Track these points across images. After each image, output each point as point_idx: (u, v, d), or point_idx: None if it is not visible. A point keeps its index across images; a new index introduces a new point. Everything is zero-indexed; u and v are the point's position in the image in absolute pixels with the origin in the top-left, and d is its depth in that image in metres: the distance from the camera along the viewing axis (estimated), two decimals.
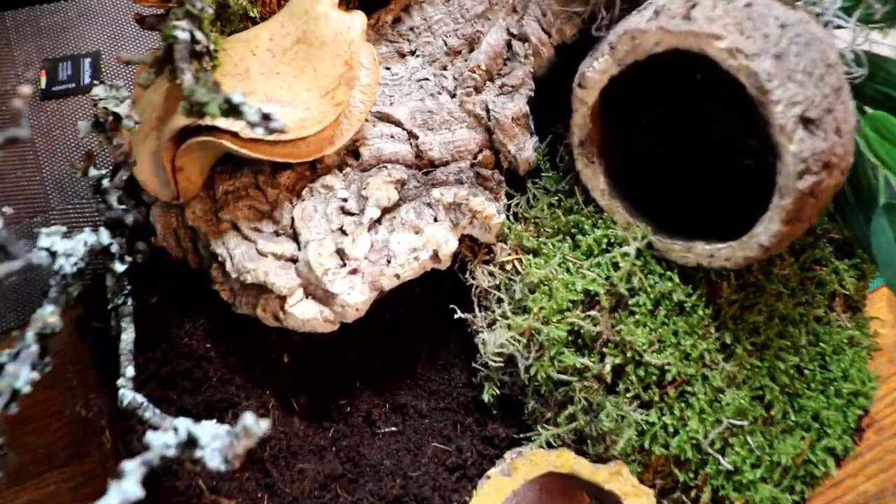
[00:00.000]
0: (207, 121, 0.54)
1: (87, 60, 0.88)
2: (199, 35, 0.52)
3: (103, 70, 0.88)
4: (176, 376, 0.63)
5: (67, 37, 0.90)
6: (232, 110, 0.46)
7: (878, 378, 0.64)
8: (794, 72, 0.51)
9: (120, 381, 0.56)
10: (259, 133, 0.44)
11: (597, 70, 0.58)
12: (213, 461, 0.43)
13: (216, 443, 0.44)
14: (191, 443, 0.45)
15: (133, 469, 0.44)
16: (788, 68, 0.51)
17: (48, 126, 0.85)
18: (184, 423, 0.45)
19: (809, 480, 0.63)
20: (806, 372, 0.63)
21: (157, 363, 0.63)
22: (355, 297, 0.58)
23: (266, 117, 0.44)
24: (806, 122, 0.51)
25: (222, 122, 0.54)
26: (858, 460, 0.72)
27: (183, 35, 0.51)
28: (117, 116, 0.57)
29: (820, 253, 0.64)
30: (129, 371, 0.57)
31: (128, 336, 0.59)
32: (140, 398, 0.55)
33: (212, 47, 0.54)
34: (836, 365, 0.63)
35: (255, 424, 0.42)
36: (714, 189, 0.66)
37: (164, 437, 0.45)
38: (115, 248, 0.56)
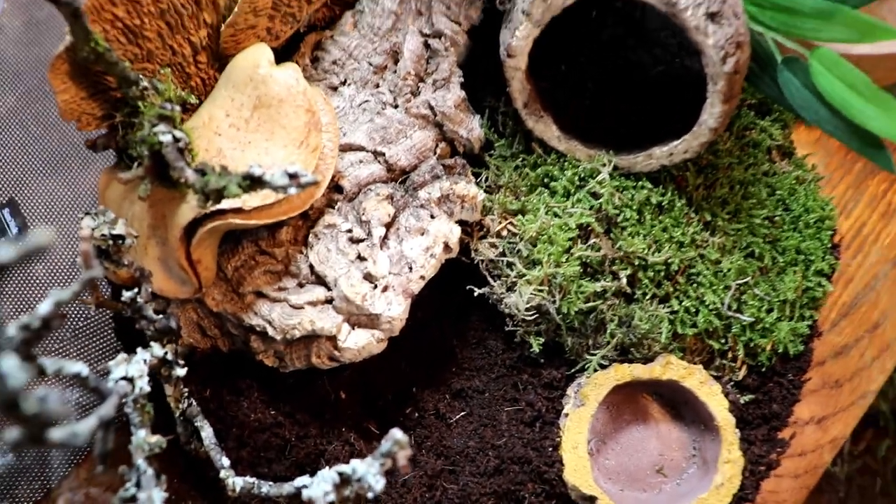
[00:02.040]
0: (210, 207, 0.57)
1: (6, 211, 0.86)
2: (178, 133, 0.54)
3: (24, 214, 0.87)
4: (257, 452, 0.65)
5: None
6: (255, 183, 0.49)
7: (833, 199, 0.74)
8: None
9: (222, 473, 0.58)
10: (293, 192, 0.48)
11: (520, 38, 0.64)
12: (379, 485, 0.47)
13: (372, 469, 0.47)
14: (344, 482, 0.49)
15: None
16: None
17: None
18: (332, 469, 0.49)
19: (814, 304, 0.73)
20: (776, 219, 0.72)
21: (236, 449, 0.65)
22: (395, 309, 0.62)
23: (293, 175, 0.48)
24: (712, 16, 0.60)
25: (226, 203, 0.57)
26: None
27: (167, 138, 0.53)
28: (118, 237, 0.58)
29: (746, 119, 0.74)
30: (225, 461, 0.59)
31: (207, 432, 0.60)
32: (250, 478, 0.57)
33: (186, 141, 0.56)
34: (795, 203, 0.73)
35: (401, 434, 0.46)
36: (645, 103, 0.74)
37: (320, 487, 0.48)
38: (170, 356, 0.58)
